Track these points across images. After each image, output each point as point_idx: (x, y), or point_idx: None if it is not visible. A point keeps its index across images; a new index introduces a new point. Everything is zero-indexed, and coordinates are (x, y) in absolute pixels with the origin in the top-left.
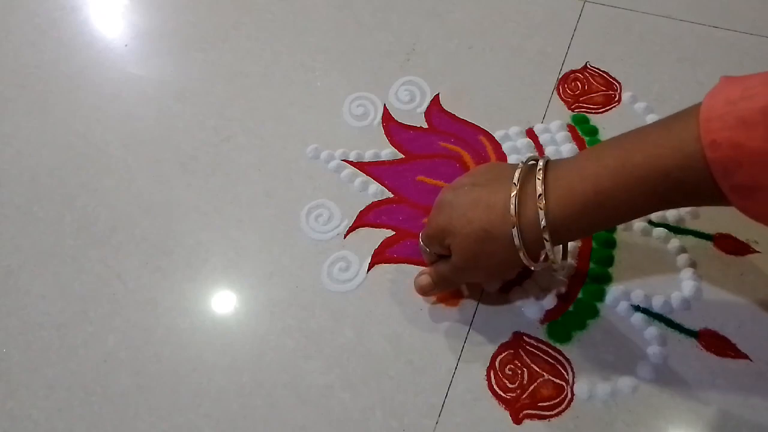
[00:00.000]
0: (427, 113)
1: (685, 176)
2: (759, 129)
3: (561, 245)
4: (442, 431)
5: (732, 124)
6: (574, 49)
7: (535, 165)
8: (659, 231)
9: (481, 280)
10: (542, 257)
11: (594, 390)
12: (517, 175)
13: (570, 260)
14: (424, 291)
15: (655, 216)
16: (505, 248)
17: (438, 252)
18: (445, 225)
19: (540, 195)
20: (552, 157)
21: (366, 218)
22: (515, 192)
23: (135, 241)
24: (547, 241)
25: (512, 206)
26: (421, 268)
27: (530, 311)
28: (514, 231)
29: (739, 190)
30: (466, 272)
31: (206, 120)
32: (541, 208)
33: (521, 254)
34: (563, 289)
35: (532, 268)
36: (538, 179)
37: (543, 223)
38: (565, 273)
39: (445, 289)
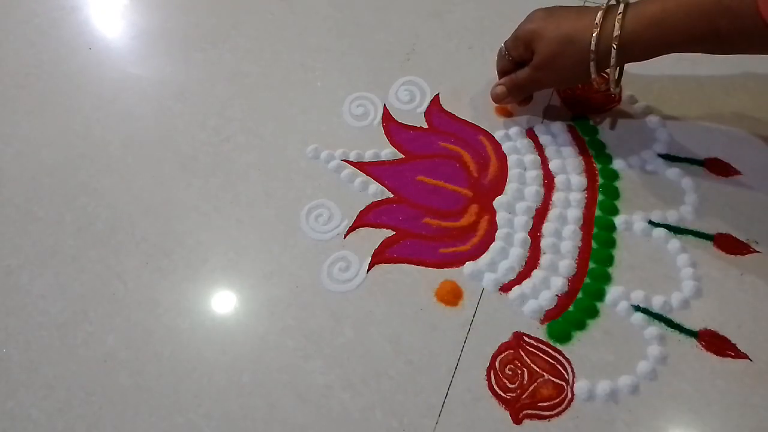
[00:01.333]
0: (427, 113)
1: (732, 3)
2: None
3: (618, 71)
4: (442, 431)
5: None
6: None
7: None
8: (659, 231)
9: (550, 84)
10: (600, 78)
11: (594, 390)
12: (605, 2)
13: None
14: (498, 98)
15: (655, 216)
16: (581, 53)
17: (519, 56)
18: (537, 28)
19: (620, 12)
20: (553, 157)
21: (366, 218)
22: (601, 12)
23: (135, 241)
24: (614, 48)
25: (597, 18)
26: (421, 268)
27: (530, 311)
28: (594, 36)
29: None
30: (541, 73)
31: (206, 120)
32: (618, 20)
33: (592, 63)
34: (563, 289)
35: (592, 77)
36: (622, 2)
37: (617, 32)
38: (617, 92)
39: (516, 96)
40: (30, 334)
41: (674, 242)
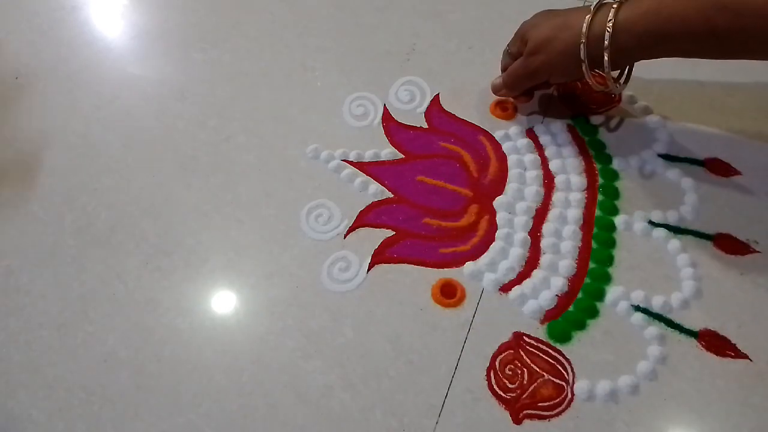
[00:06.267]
0: (427, 113)
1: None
2: None
3: (626, 71)
4: (442, 431)
5: None
6: None
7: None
8: (659, 231)
9: (544, 71)
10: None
11: (594, 390)
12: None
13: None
14: (496, 89)
15: (655, 216)
16: (573, 38)
17: (517, 50)
18: (535, 22)
19: (615, 3)
20: (553, 157)
21: (366, 218)
22: (598, 2)
23: (135, 241)
24: (608, 31)
25: (593, 6)
26: (421, 268)
27: (530, 311)
28: (586, 19)
29: None
30: (533, 58)
31: (206, 120)
32: (613, 6)
33: (582, 46)
34: (563, 289)
35: (584, 73)
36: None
37: (611, 18)
38: (619, 90)
39: (512, 88)
40: (30, 334)
41: (674, 242)
